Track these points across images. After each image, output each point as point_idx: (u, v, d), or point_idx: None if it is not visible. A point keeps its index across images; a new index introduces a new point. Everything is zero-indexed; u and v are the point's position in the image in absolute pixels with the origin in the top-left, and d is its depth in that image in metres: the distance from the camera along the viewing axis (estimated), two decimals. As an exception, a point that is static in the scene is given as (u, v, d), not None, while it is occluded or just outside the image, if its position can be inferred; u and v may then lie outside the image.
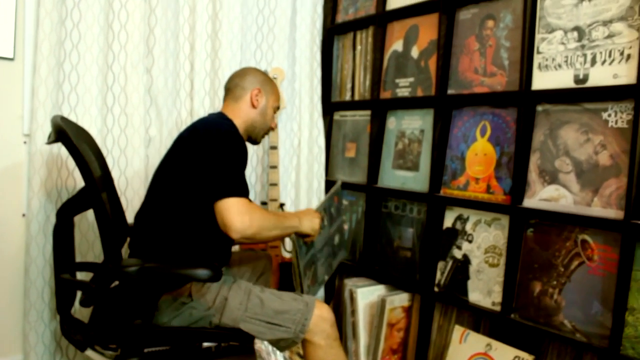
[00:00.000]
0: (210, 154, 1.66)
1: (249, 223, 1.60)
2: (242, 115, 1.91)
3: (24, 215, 2.12)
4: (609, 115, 1.68)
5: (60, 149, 2.09)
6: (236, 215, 1.58)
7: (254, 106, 1.92)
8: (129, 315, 1.57)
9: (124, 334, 1.58)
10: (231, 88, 1.95)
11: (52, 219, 2.07)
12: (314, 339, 1.73)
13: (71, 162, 2.11)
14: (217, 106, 2.35)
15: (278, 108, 2.04)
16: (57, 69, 2.07)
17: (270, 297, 1.74)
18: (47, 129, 2.02)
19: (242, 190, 1.63)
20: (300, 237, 1.91)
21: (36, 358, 2.08)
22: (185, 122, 2.35)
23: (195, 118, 2.33)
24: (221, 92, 2.34)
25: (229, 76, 2.01)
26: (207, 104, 2.36)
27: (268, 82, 1.99)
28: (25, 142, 2.10)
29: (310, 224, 1.90)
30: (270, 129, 2.02)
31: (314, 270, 2.06)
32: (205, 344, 1.75)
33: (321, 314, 1.74)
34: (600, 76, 1.69)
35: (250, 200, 1.67)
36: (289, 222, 1.82)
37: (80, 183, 2.13)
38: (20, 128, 2.10)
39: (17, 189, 2.11)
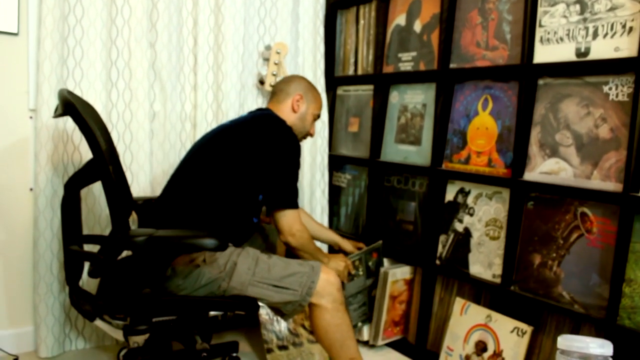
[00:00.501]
0: (279, 160, 1.86)
1: (298, 241, 1.90)
2: (283, 117, 2.00)
3: (31, 189, 2.15)
4: (610, 89, 1.68)
5: (66, 123, 2.11)
6: (289, 228, 1.88)
7: (294, 110, 2.04)
8: (137, 284, 1.61)
9: (132, 303, 1.62)
10: (276, 92, 2.09)
11: (60, 193, 2.11)
12: (321, 302, 1.78)
13: (77, 137, 2.14)
14: (220, 81, 2.36)
15: (319, 116, 2.16)
16: (61, 44, 2.09)
17: (277, 262, 1.80)
18: (53, 103, 2.04)
19: (296, 201, 1.90)
20: None
21: (46, 329, 2.13)
22: (189, 96, 2.36)
23: (199, 93, 2.35)
24: (225, 67, 2.36)
25: (277, 81, 2.20)
26: (210, 78, 2.38)
27: (311, 90, 2.10)
28: (31, 117, 2.13)
29: (336, 266, 2.11)
30: (308, 134, 2.13)
31: None
32: (212, 313, 1.78)
33: (328, 278, 1.79)
34: (602, 49, 1.69)
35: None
36: (319, 255, 2.03)
37: (86, 157, 2.15)
38: (25, 103, 2.12)
39: (24, 163, 2.14)
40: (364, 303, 2.35)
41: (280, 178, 1.87)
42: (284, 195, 1.87)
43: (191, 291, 1.72)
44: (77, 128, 2.09)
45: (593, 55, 1.71)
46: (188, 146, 2.39)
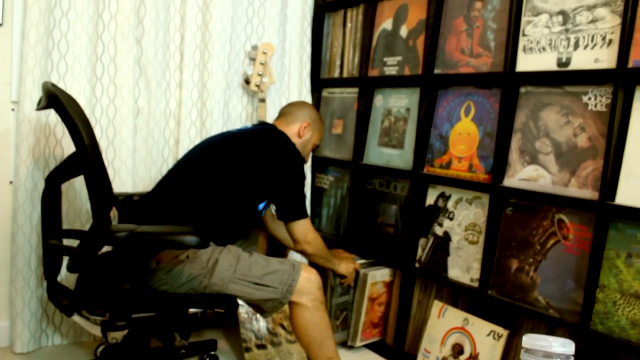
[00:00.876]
0: (286, 174, 1.91)
1: (313, 248, 1.98)
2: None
3: (11, 182, 2.13)
4: (589, 99, 1.72)
5: (48, 116, 2.10)
6: (305, 236, 1.95)
7: (299, 136, 2.13)
8: (118, 280, 1.60)
9: (112, 299, 1.61)
10: (286, 113, 2.19)
11: (40, 187, 2.09)
12: (301, 300, 1.79)
13: (59, 130, 2.13)
14: (205, 79, 2.36)
15: (317, 147, 2.29)
16: (46, 37, 2.07)
17: (258, 259, 1.81)
18: (36, 96, 2.03)
19: (305, 211, 1.96)
20: (337, 277, 2.27)
21: (23, 324, 2.11)
22: (174, 94, 2.36)
23: (185, 90, 2.35)
24: (210, 65, 2.36)
25: (288, 103, 2.32)
26: (196, 76, 2.38)
27: (318, 121, 2.22)
28: (13, 109, 2.11)
29: (347, 268, 2.22)
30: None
31: (344, 316, 2.36)
32: (192, 310, 1.79)
33: (309, 277, 1.81)
34: (582, 60, 1.72)
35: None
36: (332, 259, 2.15)
37: (67, 151, 2.14)
38: (8, 95, 2.10)
39: (4, 156, 2.12)
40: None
41: (289, 191, 1.92)
42: (294, 207, 1.92)
43: (173, 286, 1.72)
44: (59, 122, 2.09)
45: (574, 66, 1.75)
46: (172, 143, 2.39)
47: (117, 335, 1.60)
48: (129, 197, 2.07)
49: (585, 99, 1.73)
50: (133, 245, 1.52)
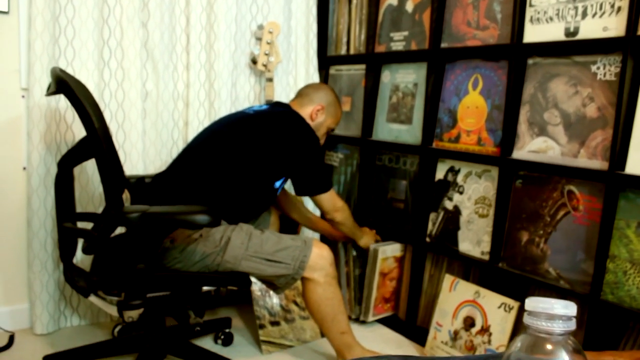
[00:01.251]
0: (305, 152, 1.95)
1: (342, 215, 2.08)
2: None
3: (24, 168, 2.16)
4: (598, 68, 1.70)
5: (58, 102, 2.12)
6: (333, 206, 2.05)
7: (312, 119, 2.12)
8: (132, 260, 1.63)
9: (127, 278, 1.64)
10: (302, 94, 2.19)
11: (53, 172, 2.12)
12: (314, 275, 1.82)
13: (69, 115, 2.15)
14: (212, 60, 2.37)
15: (332, 130, 2.26)
16: (53, 23, 2.08)
17: (270, 236, 1.84)
18: (45, 82, 2.05)
19: (329, 183, 2.04)
20: (355, 249, 2.37)
21: (42, 306, 2.15)
22: (182, 76, 2.37)
23: (192, 72, 2.36)
24: (217, 46, 2.36)
25: (307, 84, 2.30)
26: (203, 58, 2.38)
27: (334, 105, 2.19)
28: (23, 96, 2.13)
29: (366, 242, 2.31)
30: None
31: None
32: (205, 288, 1.81)
33: (320, 252, 1.84)
34: (591, 29, 1.70)
35: None
36: (356, 230, 2.25)
37: (78, 135, 2.17)
38: (17, 82, 2.12)
39: (16, 142, 2.15)
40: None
41: (309, 167, 1.97)
42: (317, 181, 1.98)
43: (187, 265, 1.75)
44: (69, 107, 2.11)
45: (582, 35, 1.73)
46: (181, 125, 2.40)
47: (133, 314, 1.63)
48: (140, 179, 2.09)
49: (594, 68, 1.71)
50: (146, 226, 1.54)
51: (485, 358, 0.82)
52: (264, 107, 2.10)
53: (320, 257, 1.83)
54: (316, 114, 2.13)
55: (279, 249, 1.80)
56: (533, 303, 0.59)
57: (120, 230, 1.96)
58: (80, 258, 2.19)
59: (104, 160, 1.54)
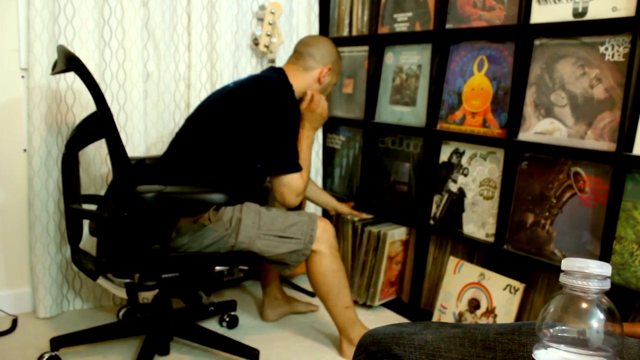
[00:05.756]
0: (268, 124, 1.80)
1: (298, 200, 1.86)
2: (303, 85, 1.98)
3: (25, 150, 2.14)
4: (606, 49, 1.69)
5: (59, 82, 2.09)
6: (292, 195, 1.84)
7: (319, 82, 2.00)
8: (146, 241, 1.62)
9: (143, 259, 1.63)
10: (303, 54, 2.00)
11: (54, 154, 2.10)
12: (320, 247, 1.84)
13: (70, 97, 2.12)
14: (214, 41, 2.34)
15: (335, 84, 2.16)
16: (52, 2, 2.04)
17: (278, 213, 1.85)
18: (45, 62, 2.02)
19: (295, 165, 1.83)
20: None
21: (44, 290, 2.14)
22: (183, 57, 2.34)
23: (193, 53, 2.33)
24: (219, 27, 2.33)
25: (303, 39, 2.08)
26: (204, 38, 2.35)
27: (339, 61, 2.07)
28: (22, 77, 2.10)
29: (314, 118, 1.95)
30: None
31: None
32: (218, 268, 1.81)
33: (325, 226, 1.87)
34: (599, 9, 1.69)
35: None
36: (309, 144, 1.95)
37: (79, 117, 2.14)
38: (16, 62, 2.09)
39: (16, 124, 2.12)
40: None
41: (274, 144, 1.83)
42: (278, 161, 1.83)
43: (197, 249, 1.75)
44: (69, 88, 2.09)
45: (590, 15, 1.71)
46: (182, 107, 2.38)
47: (147, 296, 1.62)
48: (141, 160, 2.07)
49: (602, 49, 1.70)
50: (161, 206, 1.52)
51: (518, 326, 0.81)
52: (247, 77, 1.99)
53: (324, 230, 1.86)
54: (324, 76, 2.00)
55: (288, 225, 1.82)
56: (569, 262, 0.60)
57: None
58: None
59: (116, 140, 1.51)
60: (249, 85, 1.90)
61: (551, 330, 0.59)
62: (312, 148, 1.98)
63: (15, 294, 2.20)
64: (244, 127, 1.82)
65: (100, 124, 1.52)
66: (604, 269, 0.58)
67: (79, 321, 2.16)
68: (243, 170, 1.88)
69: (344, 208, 2.42)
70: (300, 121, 1.93)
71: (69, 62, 1.50)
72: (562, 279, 0.60)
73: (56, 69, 1.63)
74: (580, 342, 0.57)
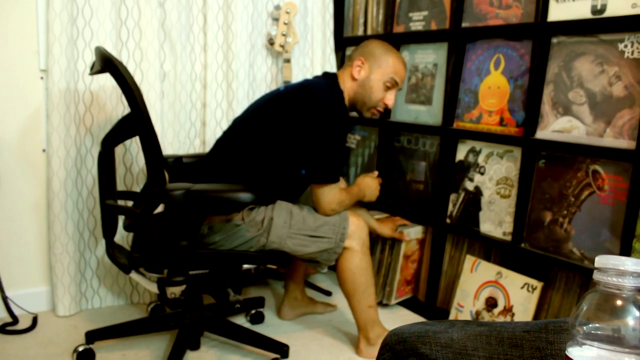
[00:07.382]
0: (313, 132, 1.79)
1: (332, 212, 1.85)
2: (346, 87, 1.95)
3: (44, 150, 2.16)
4: (625, 46, 1.68)
5: (77, 83, 2.11)
6: (328, 205, 1.83)
7: (353, 78, 1.93)
8: (175, 237, 1.64)
9: (171, 255, 1.65)
10: (349, 57, 1.99)
11: (72, 154, 2.12)
12: (352, 244, 1.84)
13: (87, 98, 2.14)
14: (230, 41, 2.35)
15: (396, 83, 1.94)
16: (70, 3, 2.06)
17: (310, 212, 1.85)
18: (64, 64, 2.04)
19: (336, 176, 1.82)
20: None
21: (63, 288, 2.16)
22: (199, 57, 2.35)
23: (209, 53, 2.34)
24: (234, 27, 2.34)
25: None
26: (220, 38, 2.36)
27: (379, 54, 1.92)
28: (42, 78, 2.12)
29: (370, 193, 2.05)
30: (381, 104, 1.98)
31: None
32: (245, 266, 1.82)
33: (357, 222, 1.85)
34: (618, 6, 1.68)
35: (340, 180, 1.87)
36: (357, 196, 1.98)
37: (97, 118, 2.16)
38: (36, 63, 2.11)
39: (35, 125, 2.14)
40: None
41: (317, 153, 1.81)
42: (320, 170, 1.82)
43: (229, 248, 1.76)
44: (87, 89, 2.11)
45: (609, 12, 1.70)
46: (199, 106, 2.39)
47: (175, 291, 1.64)
48: (178, 159, 2.11)
49: (621, 46, 1.69)
50: (189, 203, 1.54)
51: (544, 324, 0.81)
52: (298, 82, 1.97)
53: (357, 226, 1.85)
54: (357, 70, 1.91)
55: (320, 224, 1.82)
56: (603, 260, 0.59)
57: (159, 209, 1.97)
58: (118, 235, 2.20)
59: (149, 138, 1.53)
60: (299, 90, 1.88)
61: (585, 327, 0.59)
62: (354, 198, 1.97)
63: (35, 293, 2.22)
64: (290, 132, 1.83)
65: (135, 122, 1.53)
66: (639, 266, 0.58)
67: (97, 319, 2.18)
68: (287, 175, 1.89)
69: (384, 230, 2.26)
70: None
71: (104, 63, 1.53)
72: (596, 276, 0.59)
73: (93, 70, 1.67)
74: (615, 339, 0.57)
